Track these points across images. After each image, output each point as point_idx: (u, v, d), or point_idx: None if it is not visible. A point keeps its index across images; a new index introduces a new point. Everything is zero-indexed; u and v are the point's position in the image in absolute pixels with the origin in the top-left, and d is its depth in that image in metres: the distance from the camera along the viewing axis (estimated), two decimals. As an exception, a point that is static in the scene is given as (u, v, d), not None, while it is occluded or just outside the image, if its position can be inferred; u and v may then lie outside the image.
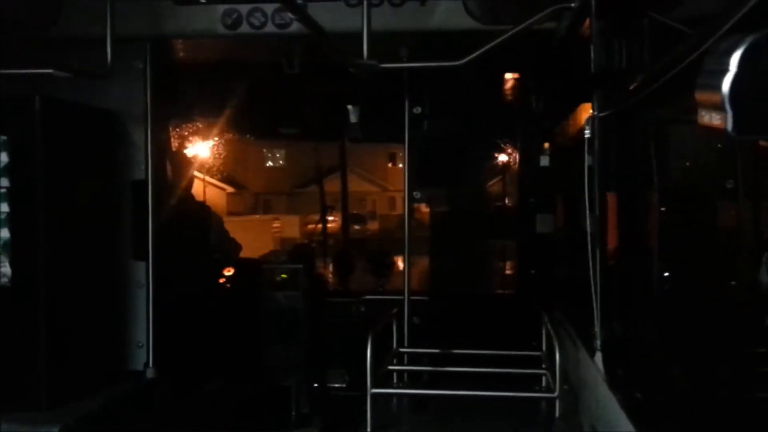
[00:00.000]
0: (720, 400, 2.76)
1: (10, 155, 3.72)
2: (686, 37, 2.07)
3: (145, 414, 4.23)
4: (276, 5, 4.00)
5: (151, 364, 4.43)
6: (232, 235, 6.74)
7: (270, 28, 4.12)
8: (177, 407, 4.51)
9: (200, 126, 6.44)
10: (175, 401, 4.53)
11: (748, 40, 1.37)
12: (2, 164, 3.72)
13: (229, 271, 6.40)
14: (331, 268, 7.98)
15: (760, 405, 2.78)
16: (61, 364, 3.82)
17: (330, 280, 7.69)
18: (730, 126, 1.35)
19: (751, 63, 1.35)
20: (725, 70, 1.36)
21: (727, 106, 1.35)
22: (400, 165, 5.66)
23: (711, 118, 1.40)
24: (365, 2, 3.23)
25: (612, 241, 3.30)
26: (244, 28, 4.13)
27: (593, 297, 3.27)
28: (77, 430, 3.60)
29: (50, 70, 3.44)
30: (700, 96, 1.47)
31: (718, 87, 1.37)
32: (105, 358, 4.28)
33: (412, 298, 5.12)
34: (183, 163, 5.93)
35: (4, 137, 3.72)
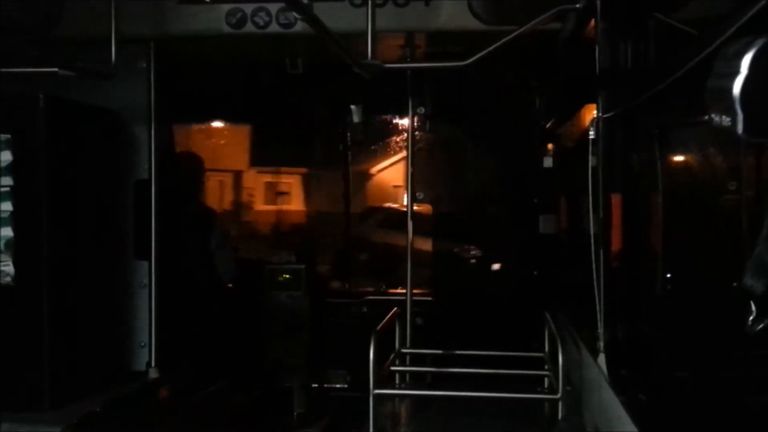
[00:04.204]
0: (723, 402, 2.75)
1: (14, 154, 3.72)
2: (691, 38, 2.07)
3: (147, 414, 4.23)
4: (280, 5, 4.00)
5: (153, 365, 4.43)
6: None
7: (274, 27, 4.12)
8: (179, 408, 4.51)
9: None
10: (177, 401, 4.53)
11: (759, 42, 1.37)
12: (6, 163, 3.71)
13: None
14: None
15: (764, 407, 2.77)
16: (64, 364, 3.82)
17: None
18: (740, 128, 1.36)
19: (762, 65, 1.36)
20: (736, 73, 1.37)
21: (738, 109, 1.36)
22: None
23: (721, 121, 1.40)
24: (370, 2, 3.22)
25: (615, 242, 3.29)
26: (249, 27, 4.13)
27: (596, 298, 3.27)
28: (80, 431, 3.59)
29: (55, 69, 3.44)
30: (710, 98, 1.47)
31: (729, 89, 1.37)
32: (107, 358, 4.27)
33: (414, 298, 5.11)
34: (187, 162, 5.90)
35: (8, 136, 3.71)
